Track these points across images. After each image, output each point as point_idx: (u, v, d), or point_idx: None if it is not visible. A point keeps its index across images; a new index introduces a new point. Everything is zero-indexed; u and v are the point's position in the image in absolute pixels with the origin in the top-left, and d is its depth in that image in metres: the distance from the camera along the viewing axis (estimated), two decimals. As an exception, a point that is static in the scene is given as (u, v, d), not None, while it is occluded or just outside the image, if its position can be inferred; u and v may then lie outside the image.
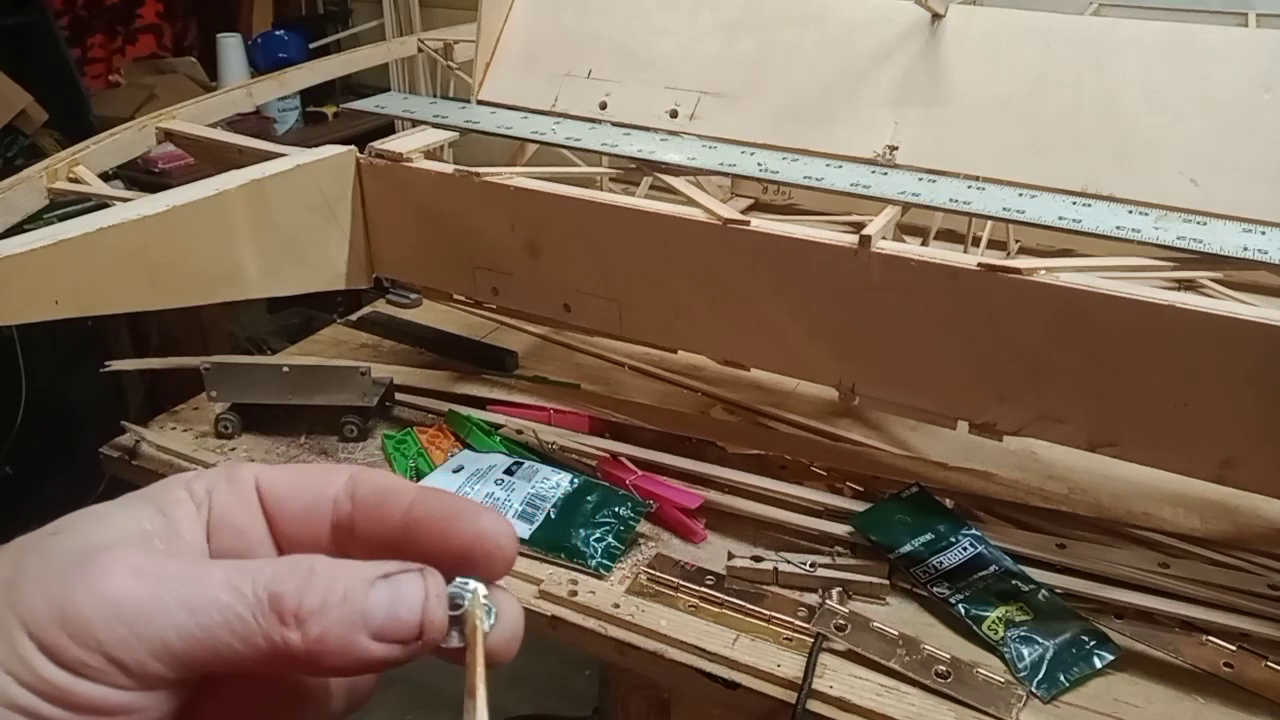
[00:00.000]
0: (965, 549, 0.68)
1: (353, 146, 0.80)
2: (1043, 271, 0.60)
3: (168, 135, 0.89)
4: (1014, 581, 0.65)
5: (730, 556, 0.69)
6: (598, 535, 0.71)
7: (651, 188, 0.92)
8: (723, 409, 0.89)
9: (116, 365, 0.93)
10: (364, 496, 0.27)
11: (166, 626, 0.22)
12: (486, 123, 0.87)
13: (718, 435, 0.82)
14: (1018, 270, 0.60)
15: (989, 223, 0.97)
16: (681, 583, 0.68)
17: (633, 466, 0.78)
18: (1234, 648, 0.62)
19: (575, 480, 0.76)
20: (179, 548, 0.26)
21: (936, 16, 0.80)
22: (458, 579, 0.25)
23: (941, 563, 0.67)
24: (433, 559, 0.25)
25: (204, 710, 0.25)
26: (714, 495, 0.75)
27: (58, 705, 0.22)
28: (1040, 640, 0.62)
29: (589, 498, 0.74)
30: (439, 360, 0.98)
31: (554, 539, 0.71)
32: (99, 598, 0.22)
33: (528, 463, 0.78)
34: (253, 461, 0.29)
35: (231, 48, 2.07)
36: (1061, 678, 0.60)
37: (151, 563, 0.24)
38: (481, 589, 0.25)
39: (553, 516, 0.72)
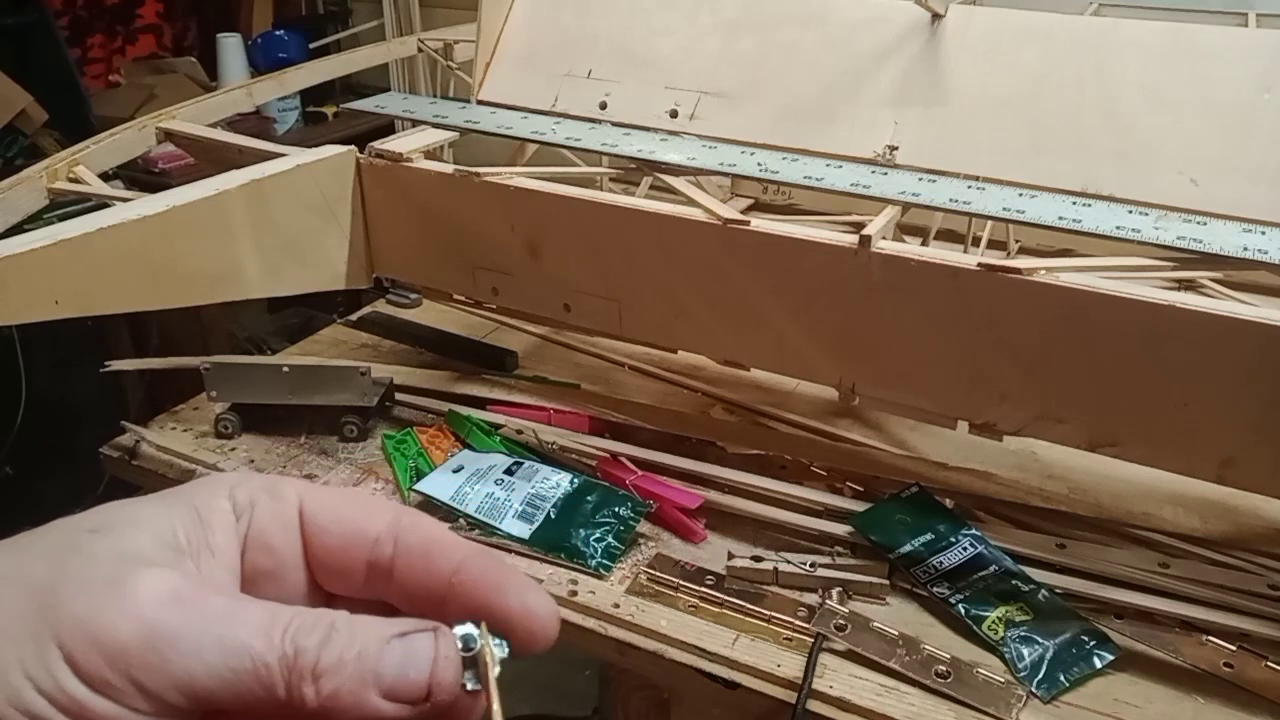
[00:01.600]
0: (965, 549, 0.68)
1: (353, 146, 0.80)
2: (1043, 271, 0.60)
3: (168, 135, 0.89)
4: (1014, 581, 0.65)
5: (730, 556, 0.69)
6: (598, 535, 0.71)
7: (651, 188, 0.92)
8: (723, 409, 0.89)
9: (116, 365, 0.93)
10: (410, 545, 0.27)
11: (197, 663, 0.23)
12: (486, 123, 0.87)
13: (718, 435, 0.82)
14: (1018, 270, 0.60)
15: (989, 223, 0.97)
16: (681, 583, 0.68)
17: (633, 466, 0.78)
18: (1234, 648, 0.62)
19: (575, 480, 0.76)
20: (210, 563, 0.25)
21: (936, 16, 0.80)
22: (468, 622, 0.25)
23: (941, 563, 0.67)
24: (469, 619, 0.25)
25: None
26: (714, 495, 0.75)
27: (70, 718, 0.22)
28: (1040, 640, 0.62)
29: (589, 498, 0.74)
30: (439, 360, 0.98)
31: (554, 539, 0.71)
32: (137, 620, 0.23)
33: (528, 463, 0.78)
34: (290, 478, 0.28)
35: (231, 48, 2.07)
36: (1061, 678, 0.60)
37: (193, 592, 0.24)
38: (490, 640, 0.25)
39: (553, 516, 0.72)
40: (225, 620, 0.23)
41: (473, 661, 0.25)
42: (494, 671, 0.25)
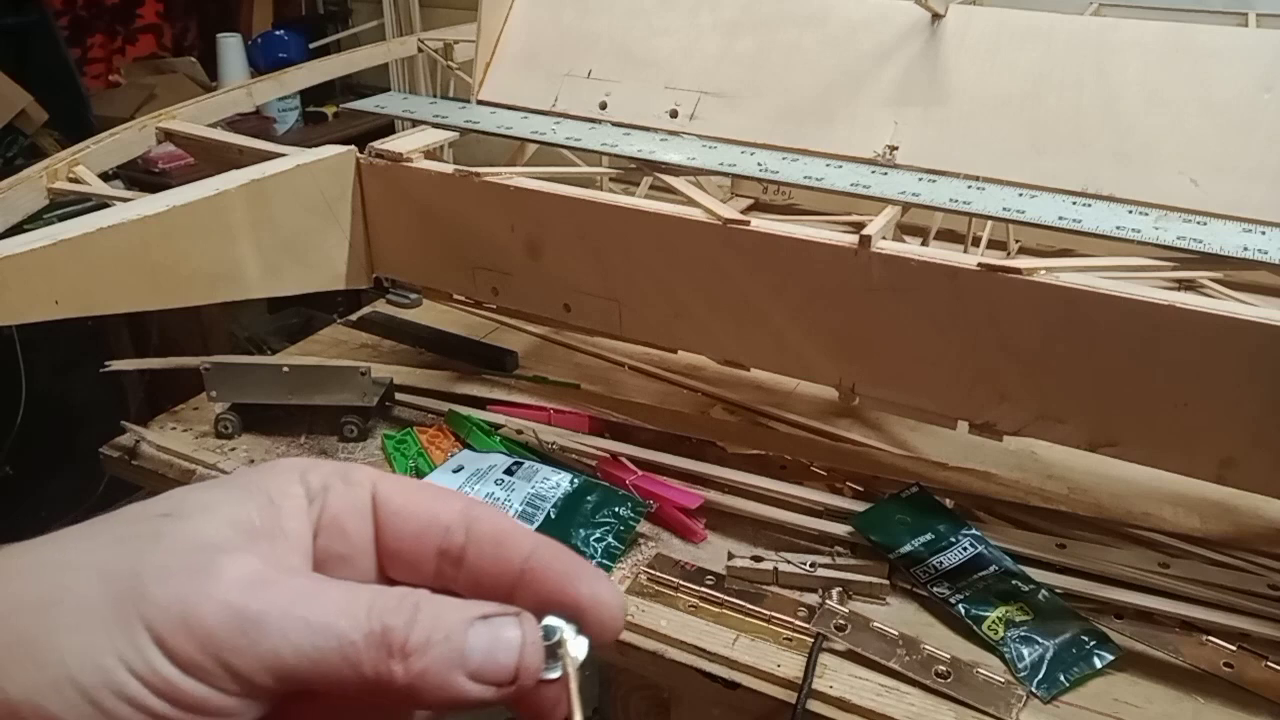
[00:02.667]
0: (965, 549, 0.68)
1: (353, 146, 0.80)
2: (1043, 271, 0.60)
3: (168, 135, 0.89)
4: (1014, 581, 0.65)
5: (730, 556, 0.69)
6: (598, 535, 0.71)
7: (651, 188, 0.92)
8: (723, 409, 0.89)
9: (116, 365, 0.93)
10: (482, 534, 0.27)
11: (282, 642, 0.23)
12: (486, 123, 0.87)
13: (718, 435, 0.82)
14: (1018, 270, 0.60)
15: (989, 223, 0.96)
16: (681, 583, 0.68)
17: (633, 466, 0.78)
18: (1234, 648, 0.62)
19: (575, 480, 0.75)
20: (284, 546, 0.26)
21: (936, 16, 0.80)
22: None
23: (941, 563, 0.67)
24: (539, 609, 0.26)
25: (293, 712, 0.25)
26: (714, 495, 0.75)
27: (164, 700, 0.23)
28: (1040, 640, 0.62)
29: (589, 498, 0.74)
30: (439, 360, 0.98)
31: (554, 539, 0.71)
32: (223, 605, 0.23)
33: (528, 463, 0.78)
34: (361, 465, 0.29)
35: (231, 48, 2.07)
36: (1061, 678, 0.60)
37: (274, 575, 0.24)
38: (570, 630, 0.26)
39: (553, 516, 0.72)
40: (309, 601, 0.24)
41: (552, 651, 0.25)
42: (575, 661, 0.25)
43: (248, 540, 0.25)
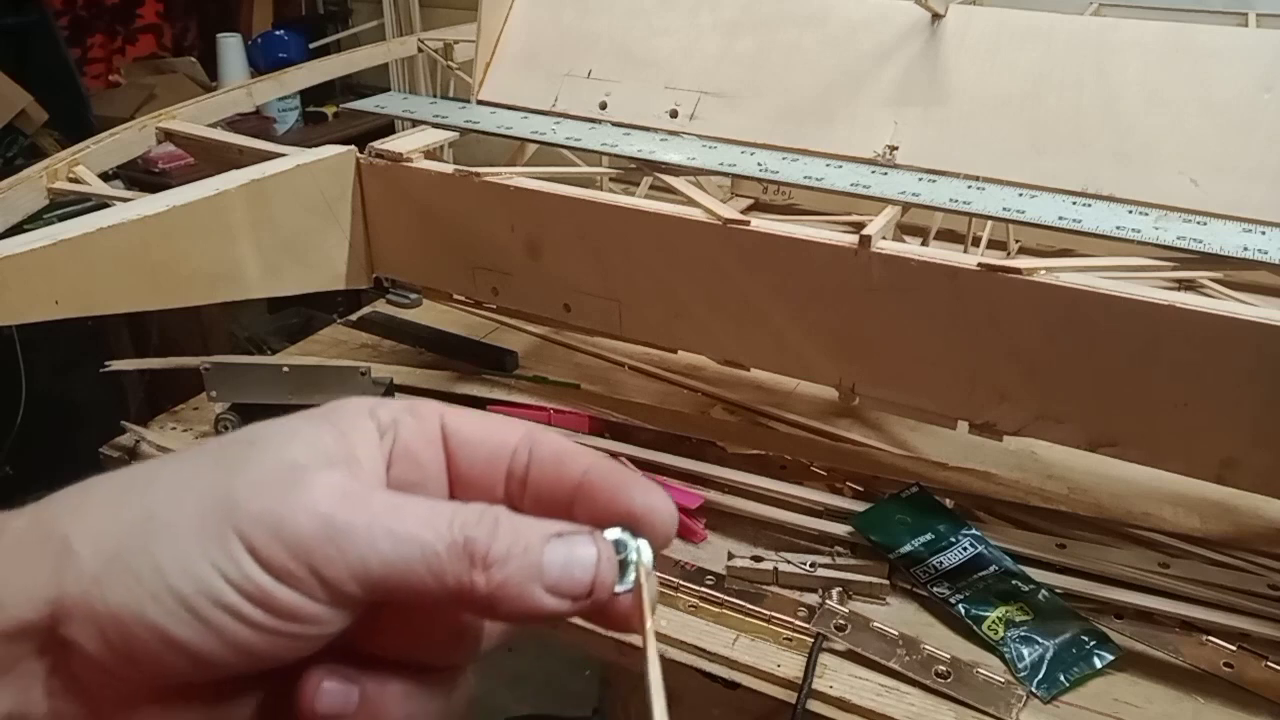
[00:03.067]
0: (965, 549, 0.68)
1: (353, 146, 0.80)
2: (1043, 271, 0.60)
3: (168, 135, 0.89)
4: (1014, 581, 0.65)
5: (730, 556, 0.69)
6: (598, 535, 0.71)
7: (651, 188, 0.92)
8: (723, 409, 0.89)
9: (116, 365, 0.93)
10: (544, 454, 0.28)
11: (369, 552, 0.24)
12: (486, 123, 0.87)
13: (718, 435, 0.82)
14: (1018, 270, 0.60)
15: (989, 223, 0.96)
16: (681, 583, 0.68)
17: (633, 467, 0.78)
18: (1234, 648, 0.62)
19: (575, 480, 0.75)
20: (359, 473, 0.27)
21: (936, 16, 0.80)
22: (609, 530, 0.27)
23: (941, 563, 0.67)
24: (597, 521, 0.27)
25: (368, 630, 0.27)
26: (714, 495, 0.75)
27: (256, 606, 0.24)
28: (1040, 640, 0.62)
29: (589, 498, 0.73)
30: (439, 360, 0.98)
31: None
32: (313, 514, 0.24)
33: (528, 463, 0.78)
34: (426, 399, 0.30)
35: (231, 48, 2.07)
36: (1061, 678, 0.60)
37: (361, 490, 0.25)
38: (642, 544, 0.27)
39: (553, 516, 0.72)
40: (394, 514, 0.25)
41: (622, 564, 0.27)
42: (645, 571, 0.27)
43: (329, 463, 0.26)
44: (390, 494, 0.26)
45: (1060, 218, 0.68)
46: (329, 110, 2.11)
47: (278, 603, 0.24)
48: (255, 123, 1.84)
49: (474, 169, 0.76)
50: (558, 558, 0.26)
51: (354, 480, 0.26)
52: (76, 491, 0.26)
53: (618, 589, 0.27)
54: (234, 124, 1.08)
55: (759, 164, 0.78)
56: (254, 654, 0.24)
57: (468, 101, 0.94)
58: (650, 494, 0.28)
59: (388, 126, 1.38)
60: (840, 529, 0.71)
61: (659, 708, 0.26)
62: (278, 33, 2.20)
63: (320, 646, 0.25)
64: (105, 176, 0.85)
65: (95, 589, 0.23)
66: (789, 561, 0.68)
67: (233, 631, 0.24)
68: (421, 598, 0.25)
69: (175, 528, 0.24)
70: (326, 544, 0.24)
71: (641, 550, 0.27)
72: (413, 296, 1.09)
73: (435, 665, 0.28)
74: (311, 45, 2.16)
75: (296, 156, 0.77)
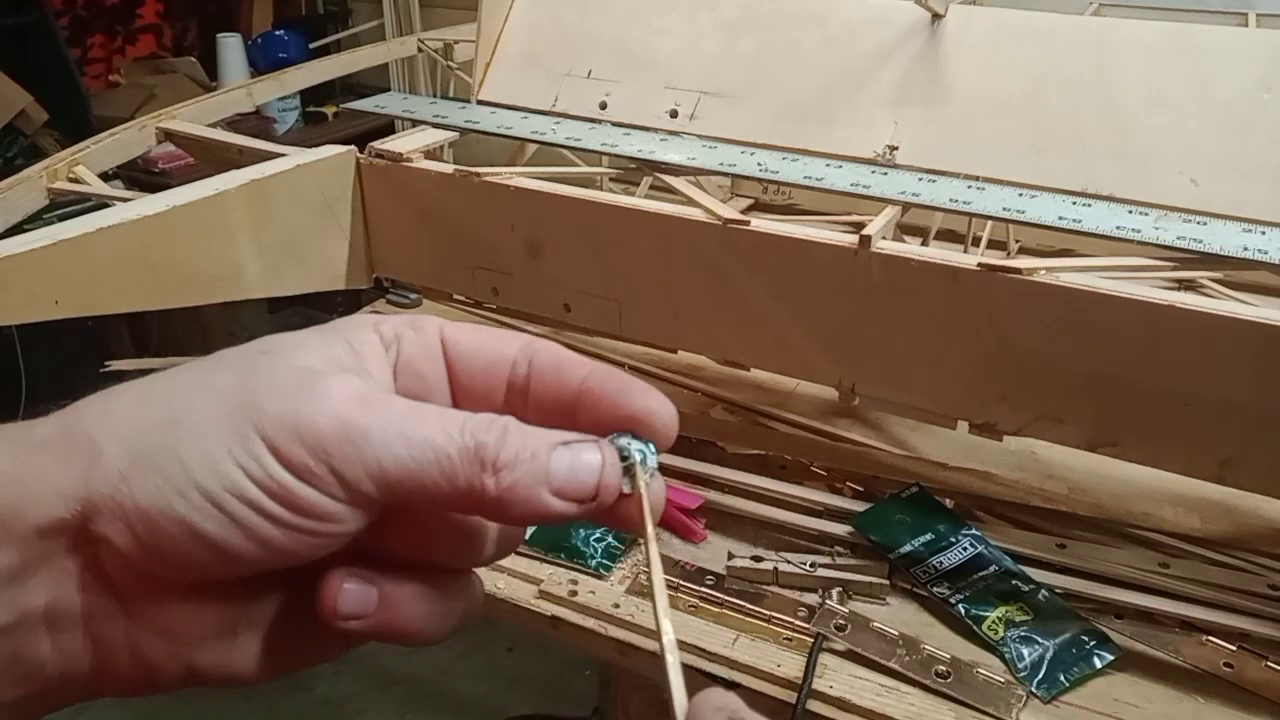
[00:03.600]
0: (965, 549, 0.68)
1: (352, 146, 0.80)
2: (1043, 271, 0.60)
3: (168, 135, 0.89)
4: (1014, 581, 0.65)
5: (730, 556, 0.69)
6: (598, 535, 0.71)
7: (651, 188, 0.92)
8: (723, 409, 0.89)
9: (116, 365, 0.92)
10: (543, 363, 0.30)
11: (385, 453, 0.25)
12: (486, 123, 0.87)
13: (718, 435, 0.82)
14: (1018, 270, 0.60)
15: (989, 223, 0.96)
16: (681, 583, 0.68)
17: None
18: (1234, 648, 0.61)
19: (575, 480, 0.75)
20: (370, 383, 0.28)
21: (936, 16, 0.80)
22: (616, 435, 0.28)
23: (941, 563, 0.67)
24: (599, 426, 0.28)
25: (383, 534, 0.28)
26: (714, 495, 0.75)
27: (278, 502, 0.25)
28: (1040, 640, 0.62)
29: (589, 498, 0.73)
30: (439, 360, 0.97)
31: (554, 539, 0.71)
32: (331, 415, 0.25)
33: (528, 463, 0.78)
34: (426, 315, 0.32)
35: (231, 48, 2.07)
36: (1061, 678, 0.60)
37: (375, 394, 0.26)
38: (647, 448, 0.28)
39: (553, 516, 0.72)
40: (408, 418, 0.26)
41: (627, 469, 0.28)
42: (647, 474, 0.28)
43: (342, 370, 0.27)
44: (405, 401, 0.27)
45: (1060, 218, 0.68)
46: (329, 110, 2.11)
47: (299, 499, 0.25)
48: (255, 123, 1.84)
49: (474, 169, 0.76)
50: (563, 462, 0.27)
51: (368, 387, 0.27)
52: (100, 398, 0.27)
53: (625, 489, 0.28)
54: (234, 124, 1.08)
55: (759, 164, 0.78)
56: (276, 550, 0.25)
57: (468, 101, 0.94)
58: (649, 396, 0.29)
59: (387, 126, 1.38)
60: (840, 529, 0.71)
61: (662, 606, 0.27)
62: (278, 33, 2.20)
63: (339, 545, 0.26)
64: (105, 176, 0.85)
65: (124, 486, 0.24)
66: (789, 561, 0.68)
67: (255, 526, 0.25)
68: (434, 499, 0.26)
69: (199, 427, 0.25)
70: (345, 444, 0.25)
71: (647, 455, 0.28)
72: (413, 296, 1.09)
73: (446, 567, 0.29)
74: (311, 45, 2.16)
75: (296, 156, 0.77)
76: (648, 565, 0.27)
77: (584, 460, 0.27)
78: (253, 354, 0.27)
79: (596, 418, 0.29)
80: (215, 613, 0.26)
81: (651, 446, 0.28)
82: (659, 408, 0.29)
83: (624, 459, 0.28)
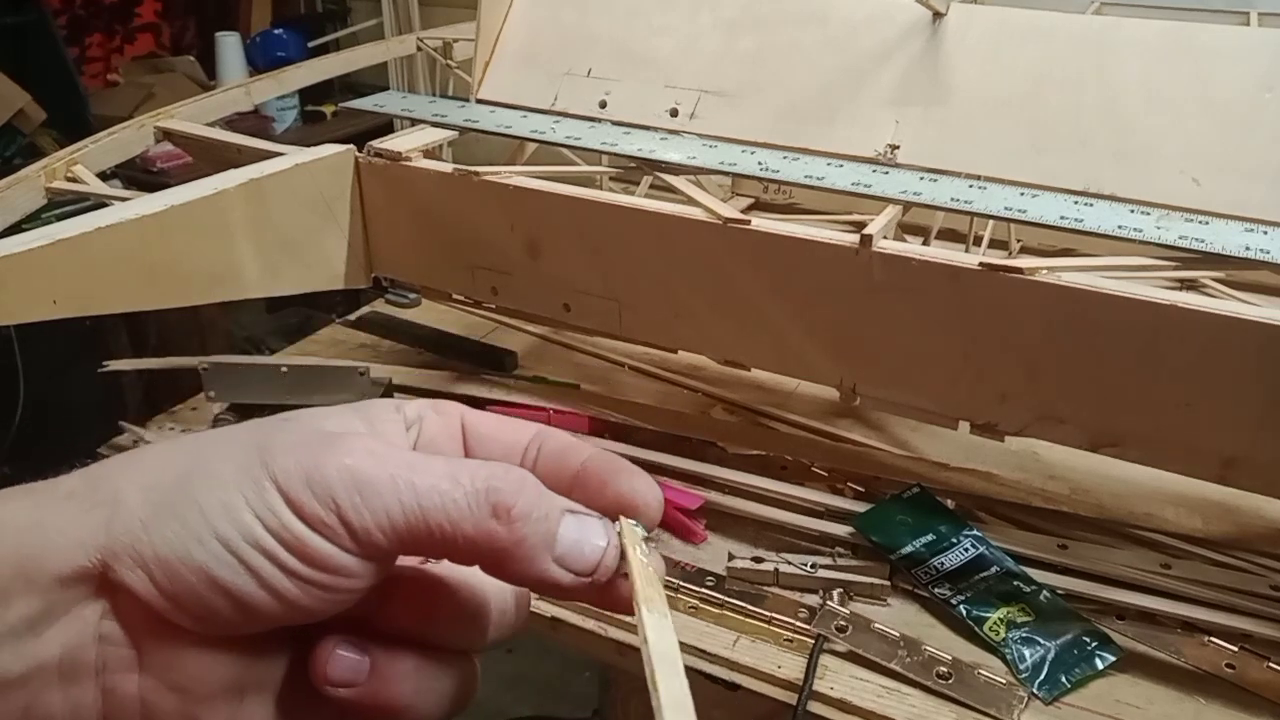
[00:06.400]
0: (966, 550, 0.67)
1: (351, 146, 0.79)
2: (1044, 271, 0.59)
3: (166, 134, 0.89)
4: (1015, 582, 0.65)
5: (731, 557, 0.69)
6: (598, 536, 0.70)
7: (651, 187, 0.92)
8: (723, 409, 0.89)
9: (115, 365, 0.92)
10: (551, 449, 0.31)
11: (393, 501, 0.26)
12: (486, 122, 0.87)
13: (718, 435, 0.82)
14: (1019, 270, 0.59)
15: (990, 222, 0.96)
16: (682, 584, 0.68)
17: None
18: (1236, 649, 0.61)
19: (575, 480, 0.75)
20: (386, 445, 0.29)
21: (937, 15, 0.79)
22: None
23: (943, 564, 0.67)
24: (590, 505, 0.29)
25: (386, 604, 0.29)
26: (714, 496, 0.75)
27: (293, 554, 0.25)
28: (1042, 641, 0.62)
29: (589, 498, 0.73)
30: (438, 360, 0.97)
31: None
32: (341, 467, 0.26)
33: (527, 463, 0.77)
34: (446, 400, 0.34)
35: (230, 46, 2.07)
36: (1063, 679, 0.60)
37: (385, 448, 0.27)
38: (638, 529, 0.29)
39: (552, 517, 0.72)
40: (415, 466, 0.27)
41: (621, 550, 0.28)
42: (639, 556, 0.28)
43: (358, 435, 0.28)
44: (414, 452, 0.28)
45: (1062, 217, 0.67)
46: (328, 109, 2.11)
47: (312, 551, 0.25)
48: (254, 122, 1.84)
49: (473, 168, 0.75)
50: (570, 532, 0.27)
51: (385, 443, 0.28)
52: (126, 454, 0.28)
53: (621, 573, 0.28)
54: (232, 123, 1.08)
55: (759, 163, 0.78)
56: (290, 604, 0.26)
57: (467, 100, 0.94)
58: (634, 479, 0.30)
59: (386, 125, 1.38)
60: (841, 530, 0.71)
61: (663, 674, 0.27)
62: (276, 31, 2.20)
63: (352, 602, 0.27)
64: (103, 176, 0.85)
65: (144, 534, 0.25)
66: (790, 562, 0.68)
67: (269, 577, 0.25)
68: (444, 547, 0.26)
69: (218, 477, 0.26)
70: (353, 493, 0.25)
71: (633, 534, 0.29)
72: (411, 296, 1.09)
73: (445, 646, 0.30)
74: (310, 44, 2.16)
75: (295, 156, 0.77)
76: (643, 641, 0.27)
77: (590, 534, 0.28)
78: (276, 419, 0.29)
79: (589, 496, 0.29)
80: (226, 671, 0.27)
81: (641, 529, 0.29)
82: (645, 489, 0.30)
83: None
